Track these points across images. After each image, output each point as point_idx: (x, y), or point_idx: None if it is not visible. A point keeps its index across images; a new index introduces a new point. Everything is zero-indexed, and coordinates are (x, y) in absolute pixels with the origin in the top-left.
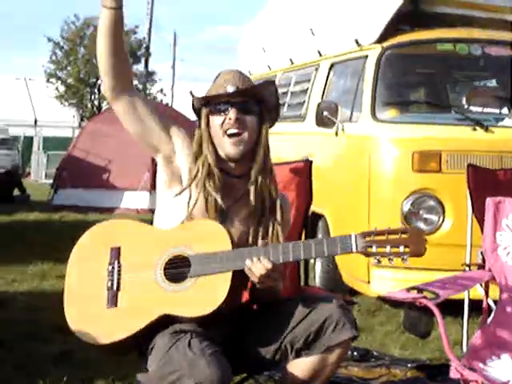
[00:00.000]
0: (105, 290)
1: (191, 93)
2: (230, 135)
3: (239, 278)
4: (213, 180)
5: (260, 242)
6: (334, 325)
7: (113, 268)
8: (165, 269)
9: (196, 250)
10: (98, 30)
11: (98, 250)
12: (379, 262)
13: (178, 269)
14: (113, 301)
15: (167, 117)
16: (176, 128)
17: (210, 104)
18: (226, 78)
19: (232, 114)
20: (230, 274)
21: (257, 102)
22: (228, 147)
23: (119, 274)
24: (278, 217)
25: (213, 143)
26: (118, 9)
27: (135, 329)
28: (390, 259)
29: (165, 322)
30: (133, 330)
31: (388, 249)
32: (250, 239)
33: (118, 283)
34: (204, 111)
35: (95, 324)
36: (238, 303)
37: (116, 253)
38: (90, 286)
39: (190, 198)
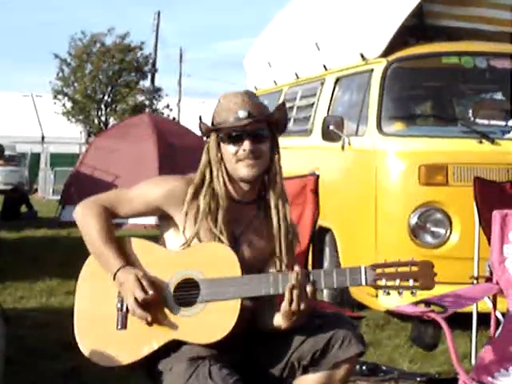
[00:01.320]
0: (114, 311)
1: (200, 118)
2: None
3: (248, 304)
4: (217, 215)
5: (278, 267)
6: (340, 341)
7: None
8: (174, 292)
9: (206, 273)
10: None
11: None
12: (388, 294)
13: (187, 292)
14: (123, 323)
15: (149, 189)
16: (156, 194)
17: (220, 130)
18: (236, 101)
19: (246, 145)
20: (239, 301)
21: (268, 126)
22: (242, 171)
23: None
24: (294, 242)
25: (225, 167)
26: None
27: (144, 354)
28: (399, 292)
29: (174, 345)
30: (141, 355)
31: (397, 282)
32: (267, 268)
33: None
34: (213, 137)
35: (104, 346)
36: (248, 326)
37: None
38: (100, 307)
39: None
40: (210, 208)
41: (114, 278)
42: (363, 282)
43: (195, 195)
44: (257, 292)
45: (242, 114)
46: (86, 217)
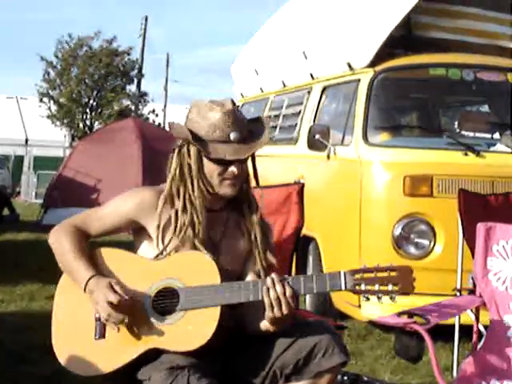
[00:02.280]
0: (93, 321)
1: (179, 125)
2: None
3: (227, 312)
4: (198, 228)
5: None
6: (323, 350)
7: None
8: (153, 301)
9: (185, 282)
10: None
11: None
12: (368, 299)
13: (166, 301)
14: (101, 332)
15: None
16: (126, 207)
17: (206, 148)
18: (224, 118)
19: (235, 169)
20: (218, 309)
21: None
22: (225, 190)
23: None
24: (269, 244)
25: (204, 179)
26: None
27: (122, 363)
28: (378, 297)
29: (153, 353)
30: (120, 363)
31: (377, 287)
32: (247, 270)
33: None
34: (194, 149)
35: (83, 356)
36: (227, 335)
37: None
38: (78, 317)
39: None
40: (191, 221)
41: (85, 289)
42: (343, 287)
43: (167, 205)
44: (236, 299)
45: (234, 136)
46: (58, 238)
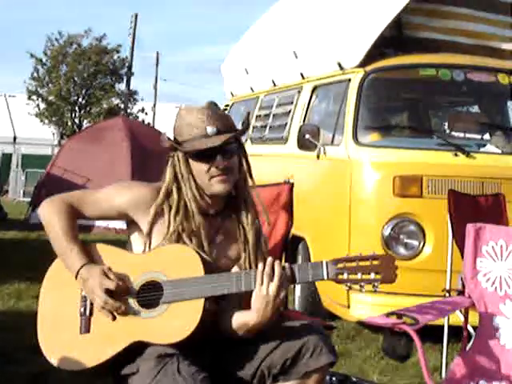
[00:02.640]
0: (78, 316)
1: (165, 135)
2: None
3: (212, 304)
4: (191, 232)
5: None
6: (311, 350)
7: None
8: (138, 294)
9: (169, 275)
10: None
11: (70, 276)
12: (350, 288)
13: (151, 294)
14: (86, 327)
15: (114, 192)
16: (120, 197)
17: (187, 147)
18: (200, 116)
19: (219, 162)
20: (202, 301)
21: (236, 139)
22: (216, 187)
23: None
24: (263, 248)
25: (194, 182)
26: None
27: (108, 355)
28: (361, 286)
29: (138, 347)
30: (106, 357)
31: (359, 275)
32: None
33: (91, 309)
34: (181, 155)
35: (68, 351)
36: (213, 328)
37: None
38: (63, 313)
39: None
40: (183, 227)
41: (77, 276)
42: (325, 277)
43: (161, 212)
44: (220, 291)
45: (210, 130)
46: (51, 214)
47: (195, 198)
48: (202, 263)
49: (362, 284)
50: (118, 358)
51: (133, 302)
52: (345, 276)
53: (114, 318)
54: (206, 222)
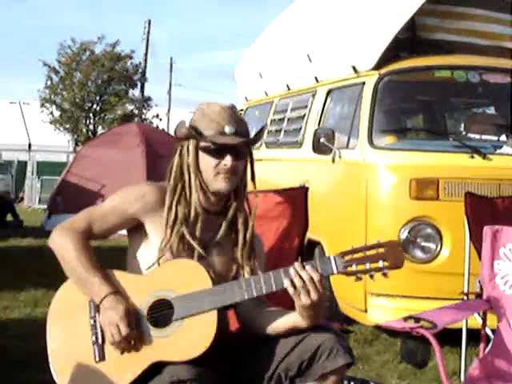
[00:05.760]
0: (90, 345)
1: (184, 122)
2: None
3: (224, 313)
4: (191, 223)
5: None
6: (327, 352)
7: (95, 321)
8: (148, 315)
9: (177, 291)
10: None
11: (77, 303)
12: (360, 279)
13: (161, 313)
14: (100, 355)
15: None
16: (132, 208)
17: (202, 139)
18: (222, 114)
19: (228, 161)
20: (215, 312)
21: (247, 145)
22: (219, 184)
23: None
24: (256, 253)
25: (201, 176)
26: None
27: (128, 381)
28: (371, 276)
29: (156, 368)
30: (126, 382)
31: (368, 265)
32: (233, 273)
33: (103, 336)
34: (193, 143)
35: (86, 381)
36: (228, 336)
37: (95, 305)
38: (75, 343)
39: (166, 242)
40: (186, 216)
41: (99, 304)
42: (335, 271)
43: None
44: (231, 299)
45: (229, 129)
46: (62, 245)
47: (198, 190)
48: (208, 274)
49: (372, 274)
50: (137, 381)
51: (145, 324)
52: (354, 268)
53: (129, 347)
54: (206, 219)
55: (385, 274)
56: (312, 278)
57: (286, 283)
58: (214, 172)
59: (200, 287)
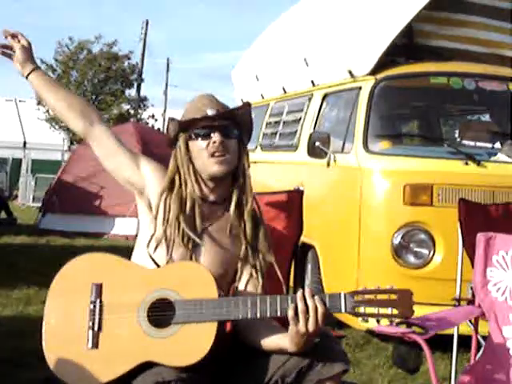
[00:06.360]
0: (86, 330)
1: (170, 118)
2: (215, 155)
3: (223, 326)
4: (188, 213)
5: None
6: (324, 358)
7: (94, 306)
8: (148, 312)
9: (181, 294)
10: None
11: (79, 284)
12: (366, 321)
13: (161, 313)
14: (94, 342)
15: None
16: (145, 159)
17: (189, 129)
18: (204, 102)
19: (216, 137)
20: (215, 324)
21: (236, 126)
22: (213, 167)
23: (101, 314)
24: (261, 242)
25: (194, 167)
26: (35, 69)
27: (117, 374)
28: (377, 320)
29: (146, 366)
30: (114, 376)
31: (377, 310)
32: (242, 269)
33: (100, 323)
34: (182, 136)
35: (75, 365)
36: (222, 346)
37: (98, 290)
38: (71, 324)
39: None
40: (182, 209)
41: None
42: (343, 310)
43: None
44: (234, 316)
45: (211, 112)
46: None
47: (194, 179)
48: (215, 283)
49: (379, 318)
50: (124, 378)
51: (143, 320)
52: (362, 310)
53: (123, 340)
54: (206, 208)
55: (392, 322)
56: (316, 309)
57: (289, 308)
58: (206, 154)
59: (206, 295)
